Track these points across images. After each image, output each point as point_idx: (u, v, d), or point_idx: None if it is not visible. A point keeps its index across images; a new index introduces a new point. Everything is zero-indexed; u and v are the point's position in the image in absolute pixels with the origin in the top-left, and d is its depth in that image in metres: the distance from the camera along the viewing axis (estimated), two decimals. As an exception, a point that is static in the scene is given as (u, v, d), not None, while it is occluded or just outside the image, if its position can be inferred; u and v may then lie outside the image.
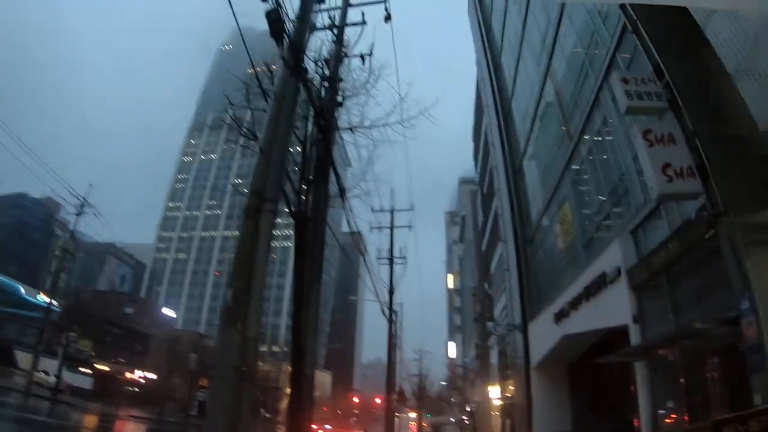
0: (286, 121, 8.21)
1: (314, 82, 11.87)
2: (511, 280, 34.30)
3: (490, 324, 41.37)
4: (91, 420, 36.14)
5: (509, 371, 39.00)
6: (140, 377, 71.33)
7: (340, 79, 13.20)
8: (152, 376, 68.52)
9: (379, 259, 30.44)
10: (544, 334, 24.41)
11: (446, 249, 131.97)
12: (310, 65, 11.78)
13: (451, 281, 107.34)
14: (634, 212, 15.56)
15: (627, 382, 20.67)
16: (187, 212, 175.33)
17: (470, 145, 71.82)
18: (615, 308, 15.80)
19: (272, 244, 7.58)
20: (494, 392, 45.08)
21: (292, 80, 8.51)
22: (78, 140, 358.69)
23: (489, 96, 41.85)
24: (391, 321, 29.40)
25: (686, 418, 12.03)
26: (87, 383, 58.89)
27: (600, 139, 19.04)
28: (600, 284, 16.92)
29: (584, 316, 18.69)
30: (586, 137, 20.18)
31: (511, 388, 38.29)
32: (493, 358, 48.62)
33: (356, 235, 18.59)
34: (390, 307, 28.98)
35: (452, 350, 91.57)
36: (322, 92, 12.31)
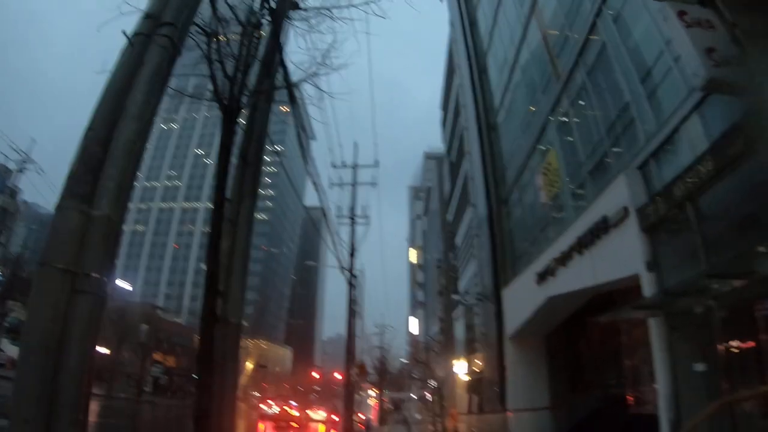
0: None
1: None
2: (482, 246, 31.99)
3: (457, 295, 38.85)
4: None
5: (477, 345, 36.82)
6: (89, 351, 67.50)
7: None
8: (104, 350, 64.93)
9: (339, 217, 27.66)
10: (522, 300, 21.91)
11: (409, 224, 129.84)
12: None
13: (413, 256, 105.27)
14: (643, 144, 13.04)
15: (615, 352, 18.44)
16: (146, 183, 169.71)
17: (437, 127, 69.55)
18: (620, 257, 13.19)
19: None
20: (460, 367, 42.89)
21: None
22: (37, 102, 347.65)
23: (462, 54, 39.16)
24: (351, 284, 26.71)
25: (725, 384, 9.52)
26: (30, 357, 55.18)
27: (595, 72, 16.49)
28: (598, 232, 14.26)
29: (577, 272, 16.06)
30: (577, 74, 17.66)
31: (478, 362, 36.14)
32: (459, 332, 46.39)
33: (310, 165, 15.69)
34: (350, 270, 26.31)
35: (414, 326, 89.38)
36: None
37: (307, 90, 10.95)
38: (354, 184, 28.28)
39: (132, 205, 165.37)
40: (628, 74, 13.93)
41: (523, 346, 23.42)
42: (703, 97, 10.22)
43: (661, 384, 11.16)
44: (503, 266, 26.15)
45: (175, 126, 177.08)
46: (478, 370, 35.20)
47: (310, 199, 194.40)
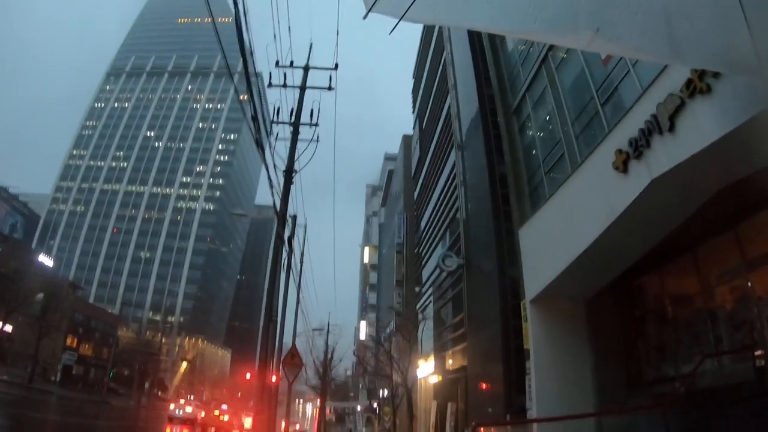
0: None
1: None
2: (474, 187, 23.56)
3: (438, 255, 29.32)
4: None
5: (454, 336, 27.68)
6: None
7: None
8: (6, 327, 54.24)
9: (276, 123, 18.08)
10: (565, 229, 12.55)
11: (365, 222, 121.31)
12: None
13: (366, 255, 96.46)
14: None
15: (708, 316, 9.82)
16: (91, 162, 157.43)
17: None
18: None
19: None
20: (426, 368, 33.60)
21: None
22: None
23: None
24: (284, 217, 17.31)
25: None
26: None
27: None
28: None
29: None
30: None
31: (451, 361, 27.14)
32: (423, 329, 37.51)
33: None
34: (285, 197, 16.91)
35: (363, 331, 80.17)
36: None
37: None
38: (303, 88, 18.99)
39: (74, 184, 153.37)
40: None
41: (553, 315, 14.19)
42: None
43: None
44: (519, 197, 17.09)
45: (127, 105, 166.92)
46: (455, 369, 25.95)
47: (261, 197, 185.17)
